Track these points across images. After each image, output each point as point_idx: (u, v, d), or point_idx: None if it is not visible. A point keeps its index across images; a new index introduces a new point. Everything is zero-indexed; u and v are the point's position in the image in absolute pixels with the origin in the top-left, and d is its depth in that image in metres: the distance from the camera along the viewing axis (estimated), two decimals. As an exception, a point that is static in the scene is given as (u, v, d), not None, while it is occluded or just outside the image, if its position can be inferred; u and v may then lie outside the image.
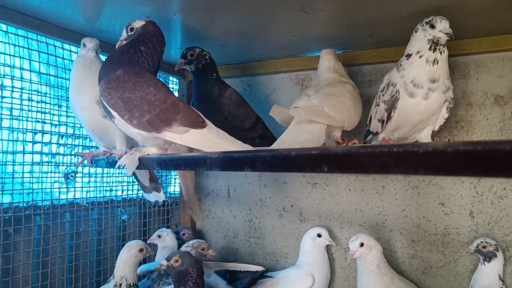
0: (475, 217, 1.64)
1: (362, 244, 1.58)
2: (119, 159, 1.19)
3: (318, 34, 1.57)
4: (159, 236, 1.81)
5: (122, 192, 1.87)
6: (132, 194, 1.92)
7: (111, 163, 1.31)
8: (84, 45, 1.43)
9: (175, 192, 2.16)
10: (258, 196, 1.99)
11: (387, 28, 1.47)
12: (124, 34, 1.26)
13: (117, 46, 1.26)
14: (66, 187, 1.61)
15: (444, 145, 0.55)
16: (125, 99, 1.12)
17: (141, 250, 1.46)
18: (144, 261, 1.68)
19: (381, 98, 1.41)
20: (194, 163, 1.00)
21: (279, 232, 1.96)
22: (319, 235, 1.76)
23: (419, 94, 1.32)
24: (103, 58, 1.54)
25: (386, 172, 0.61)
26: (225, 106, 1.58)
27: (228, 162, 0.89)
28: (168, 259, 1.39)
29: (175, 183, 2.16)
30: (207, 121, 1.18)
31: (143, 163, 1.16)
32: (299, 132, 1.31)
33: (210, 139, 1.14)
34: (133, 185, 1.92)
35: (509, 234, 1.59)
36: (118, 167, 1.18)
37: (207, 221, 2.15)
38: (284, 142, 1.27)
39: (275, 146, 1.26)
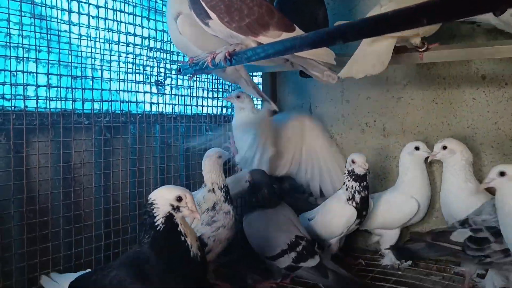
0: None
1: (445, 147, 1.58)
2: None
3: None
4: (238, 97, 1.82)
5: (207, 108, 1.94)
6: (216, 112, 1.99)
7: (197, 68, 1.37)
8: None
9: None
10: (340, 112, 1.98)
11: None
12: None
13: None
14: (157, 94, 1.69)
15: None
16: (226, 2, 1.12)
17: (219, 156, 1.54)
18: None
19: None
20: (284, 48, 1.01)
21: (361, 147, 1.94)
22: (416, 148, 1.67)
23: None
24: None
25: (493, 9, 0.58)
26: (320, 13, 1.58)
27: (320, 38, 0.89)
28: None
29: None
30: (294, 25, 1.20)
31: (234, 57, 1.18)
32: (365, 56, 1.29)
33: None
34: (217, 102, 1.99)
35: None
36: (206, 66, 1.23)
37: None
38: (351, 69, 1.28)
39: (343, 73, 1.27)
